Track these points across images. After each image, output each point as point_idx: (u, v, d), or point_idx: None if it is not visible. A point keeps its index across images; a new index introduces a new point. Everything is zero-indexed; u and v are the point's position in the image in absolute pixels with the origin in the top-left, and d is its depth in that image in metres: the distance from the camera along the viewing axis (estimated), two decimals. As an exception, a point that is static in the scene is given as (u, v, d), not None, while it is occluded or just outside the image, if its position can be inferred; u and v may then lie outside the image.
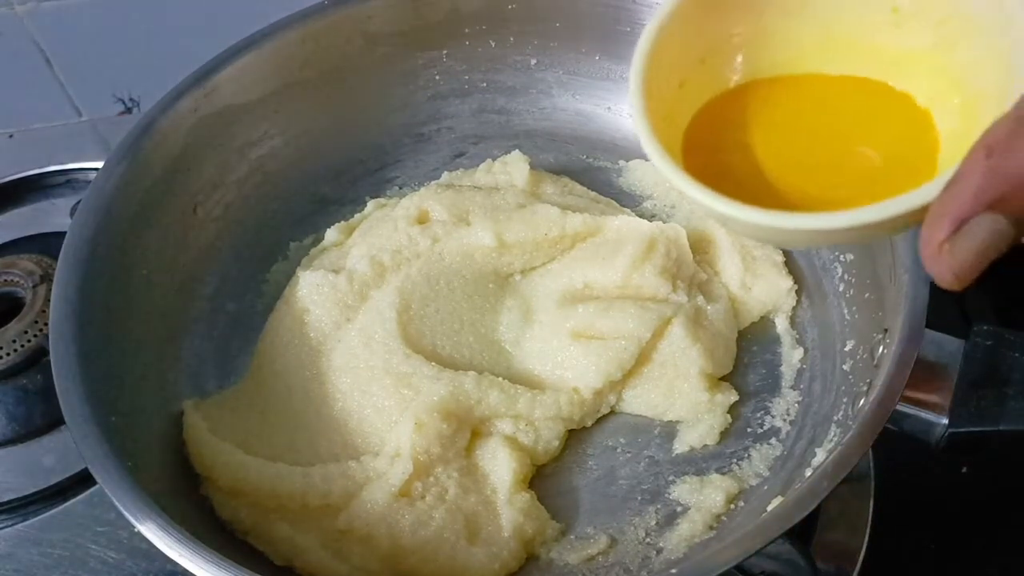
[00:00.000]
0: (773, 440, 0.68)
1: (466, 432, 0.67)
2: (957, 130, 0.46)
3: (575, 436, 0.70)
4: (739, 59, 0.52)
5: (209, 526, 0.64)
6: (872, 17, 0.49)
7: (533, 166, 0.82)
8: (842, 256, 0.72)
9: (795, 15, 0.50)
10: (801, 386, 0.71)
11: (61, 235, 0.68)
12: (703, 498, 0.65)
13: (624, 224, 0.75)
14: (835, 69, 0.51)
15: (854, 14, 0.50)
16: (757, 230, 0.48)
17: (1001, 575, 0.73)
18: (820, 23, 0.50)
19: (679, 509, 0.65)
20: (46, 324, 0.74)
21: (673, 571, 0.51)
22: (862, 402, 0.60)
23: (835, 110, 0.50)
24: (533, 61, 0.88)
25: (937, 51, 0.47)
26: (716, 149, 0.50)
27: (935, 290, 0.57)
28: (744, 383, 0.72)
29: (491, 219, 0.75)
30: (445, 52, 0.86)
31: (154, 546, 0.53)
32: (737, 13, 0.51)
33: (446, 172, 0.87)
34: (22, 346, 0.80)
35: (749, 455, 0.68)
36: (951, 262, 0.33)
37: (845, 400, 0.64)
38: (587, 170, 0.87)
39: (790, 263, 0.76)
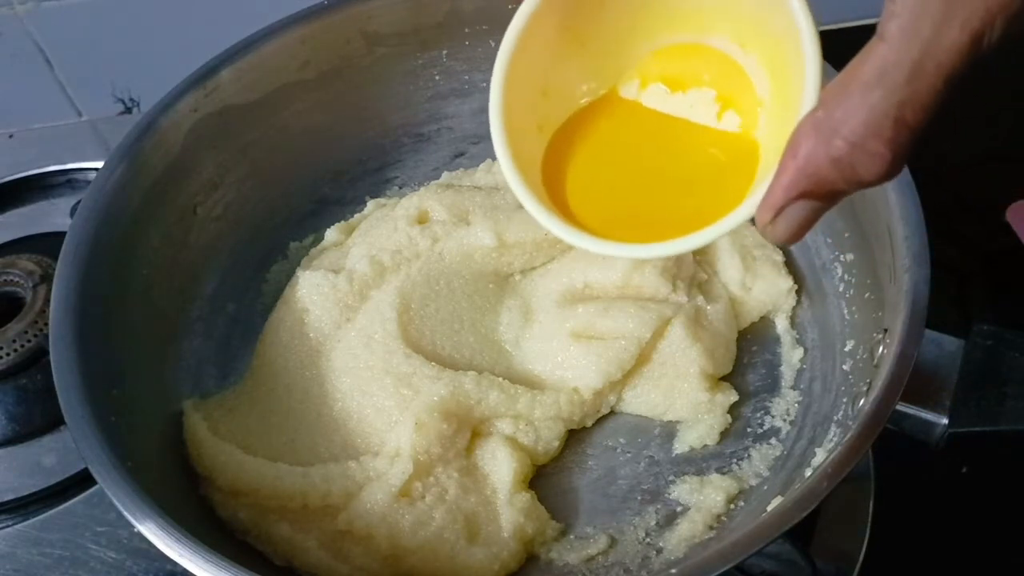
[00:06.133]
0: (773, 440, 0.68)
1: (466, 432, 0.67)
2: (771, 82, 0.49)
3: (575, 436, 0.70)
4: (584, 74, 0.54)
5: (209, 526, 0.64)
6: None
7: (533, 166, 0.82)
8: (842, 256, 0.72)
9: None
10: (801, 386, 0.71)
11: (61, 235, 0.68)
12: (703, 498, 0.65)
13: (624, 224, 0.75)
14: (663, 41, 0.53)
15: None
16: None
17: (1001, 575, 0.73)
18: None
19: (679, 509, 0.65)
20: (46, 324, 0.74)
21: (673, 571, 0.51)
22: (862, 402, 0.60)
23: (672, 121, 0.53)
24: (533, 61, 0.88)
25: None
26: (573, 165, 0.53)
27: (935, 290, 0.57)
28: (744, 383, 0.72)
29: (491, 219, 0.75)
30: (445, 52, 0.86)
31: (154, 546, 0.53)
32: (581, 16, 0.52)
33: (446, 172, 0.87)
34: (22, 346, 0.80)
35: (749, 455, 0.68)
36: (775, 235, 0.43)
37: (845, 400, 0.64)
38: (587, 170, 0.86)
39: (790, 263, 0.76)
